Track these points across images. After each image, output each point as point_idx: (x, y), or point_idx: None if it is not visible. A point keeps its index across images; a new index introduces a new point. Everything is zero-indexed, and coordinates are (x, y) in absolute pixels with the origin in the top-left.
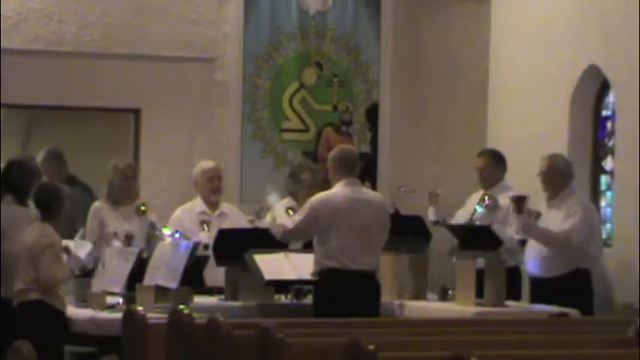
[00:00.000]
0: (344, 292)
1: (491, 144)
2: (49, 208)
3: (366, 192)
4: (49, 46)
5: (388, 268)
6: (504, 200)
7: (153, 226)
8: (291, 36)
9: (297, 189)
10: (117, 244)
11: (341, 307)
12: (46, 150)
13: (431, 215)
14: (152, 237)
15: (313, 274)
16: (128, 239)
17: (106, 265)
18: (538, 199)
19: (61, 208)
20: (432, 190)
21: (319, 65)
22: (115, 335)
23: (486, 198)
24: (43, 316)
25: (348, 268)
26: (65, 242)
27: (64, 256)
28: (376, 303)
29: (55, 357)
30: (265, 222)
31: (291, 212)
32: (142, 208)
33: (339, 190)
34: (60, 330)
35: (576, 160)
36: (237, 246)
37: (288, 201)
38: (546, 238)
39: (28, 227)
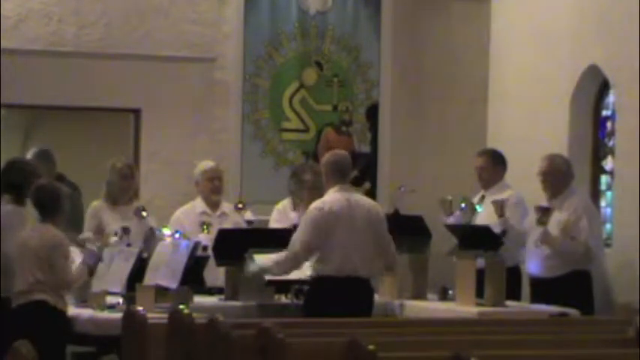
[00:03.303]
0: (336, 298)
1: (491, 144)
2: (48, 208)
3: (360, 198)
4: (49, 46)
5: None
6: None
7: (152, 232)
8: (291, 36)
9: (299, 189)
10: (114, 239)
11: (332, 313)
12: (34, 149)
13: (448, 220)
14: (151, 238)
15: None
16: (125, 232)
17: (105, 264)
18: (539, 199)
19: (60, 208)
20: (443, 198)
21: (319, 65)
22: (115, 335)
23: (480, 205)
24: (47, 317)
25: (343, 275)
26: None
27: (77, 251)
28: (368, 310)
29: (57, 357)
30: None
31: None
32: (143, 212)
33: (332, 196)
34: (63, 330)
35: (576, 160)
36: (237, 246)
37: (289, 201)
38: (566, 250)
39: (28, 227)
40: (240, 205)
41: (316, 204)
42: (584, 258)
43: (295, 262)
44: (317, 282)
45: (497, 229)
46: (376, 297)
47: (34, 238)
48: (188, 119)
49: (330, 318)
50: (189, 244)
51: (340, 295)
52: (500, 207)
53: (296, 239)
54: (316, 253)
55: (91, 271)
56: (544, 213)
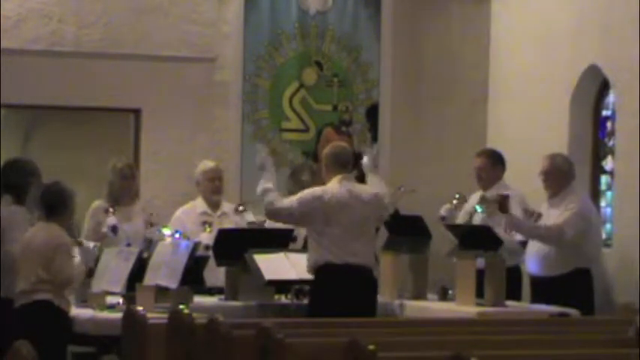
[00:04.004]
0: (340, 286)
1: (491, 144)
2: (55, 208)
3: (361, 187)
4: (49, 46)
5: (388, 268)
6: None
7: (149, 242)
8: (291, 36)
9: (298, 190)
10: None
11: (337, 302)
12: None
13: (443, 211)
14: (150, 238)
15: (308, 269)
16: (114, 230)
17: (105, 264)
18: (538, 199)
19: (67, 208)
20: (462, 194)
21: (319, 65)
22: (115, 335)
23: (481, 206)
24: (50, 317)
25: (343, 261)
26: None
27: (77, 251)
28: (373, 299)
29: (59, 357)
30: (252, 216)
31: None
32: (240, 208)
33: (333, 185)
34: (65, 330)
35: (576, 160)
36: (237, 246)
37: None
38: (538, 233)
39: (32, 227)
40: (241, 208)
41: (314, 188)
42: (555, 240)
43: (272, 214)
44: (318, 270)
45: (519, 237)
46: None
47: (39, 237)
48: (188, 119)
49: (334, 307)
50: (189, 244)
51: (342, 283)
52: (500, 203)
53: (289, 201)
54: (286, 223)
55: (90, 271)
56: (503, 201)
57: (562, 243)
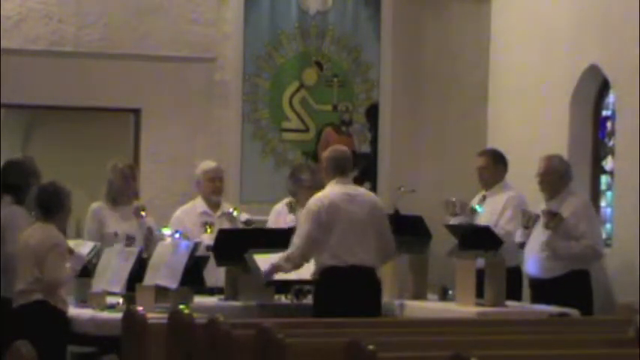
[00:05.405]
0: (344, 289)
1: (491, 144)
2: (51, 208)
3: (358, 189)
4: (49, 46)
5: (388, 268)
6: (503, 199)
7: (150, 231)
8: (291, 36)
9: (297, 189)
10: (118, 246)
11: (342, 304)
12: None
13: (518, 237)
14: (150, 238)
15: (313, 275)
16: (129, 241)
17: (105, 264)
18: (538, 200)
19: (63, 208)
20: (447, 199)
21: (319, 65)
22: (115, 335)
23: (480, 205)
24: (47, 317)
25: (347, 264)
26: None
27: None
28: (377, 300)
29: (59, 357)
30: (246, 215)
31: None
32: (142, 212)
33: (330, 189)
34: (63, 330)
35: (576, 160)
36: (237, 246)
37: (285, 205)
38: (574, 254)
39: (29, 227)
40: (235, 214)
41: (316, 198)
42: (593, 259)
43: (302, 258)
44: (322, 274)
45: (519, 239)
46: None
47: (35, 238)
48: (188, 119)
49: (340, 309)
50: (189, 244)
51: (346, 286)
52: (548, 219)
53: (299, 234)
54: (320, 245)
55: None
56: (551, 217)
57: (598, 258)
